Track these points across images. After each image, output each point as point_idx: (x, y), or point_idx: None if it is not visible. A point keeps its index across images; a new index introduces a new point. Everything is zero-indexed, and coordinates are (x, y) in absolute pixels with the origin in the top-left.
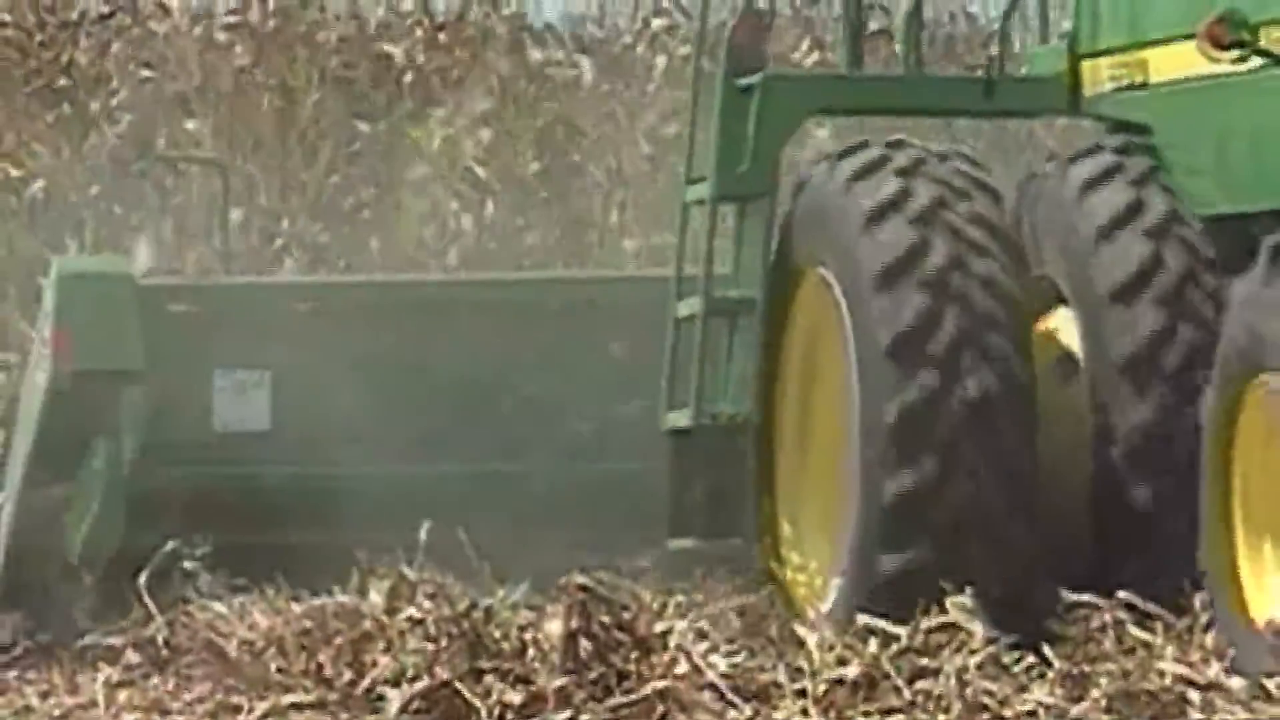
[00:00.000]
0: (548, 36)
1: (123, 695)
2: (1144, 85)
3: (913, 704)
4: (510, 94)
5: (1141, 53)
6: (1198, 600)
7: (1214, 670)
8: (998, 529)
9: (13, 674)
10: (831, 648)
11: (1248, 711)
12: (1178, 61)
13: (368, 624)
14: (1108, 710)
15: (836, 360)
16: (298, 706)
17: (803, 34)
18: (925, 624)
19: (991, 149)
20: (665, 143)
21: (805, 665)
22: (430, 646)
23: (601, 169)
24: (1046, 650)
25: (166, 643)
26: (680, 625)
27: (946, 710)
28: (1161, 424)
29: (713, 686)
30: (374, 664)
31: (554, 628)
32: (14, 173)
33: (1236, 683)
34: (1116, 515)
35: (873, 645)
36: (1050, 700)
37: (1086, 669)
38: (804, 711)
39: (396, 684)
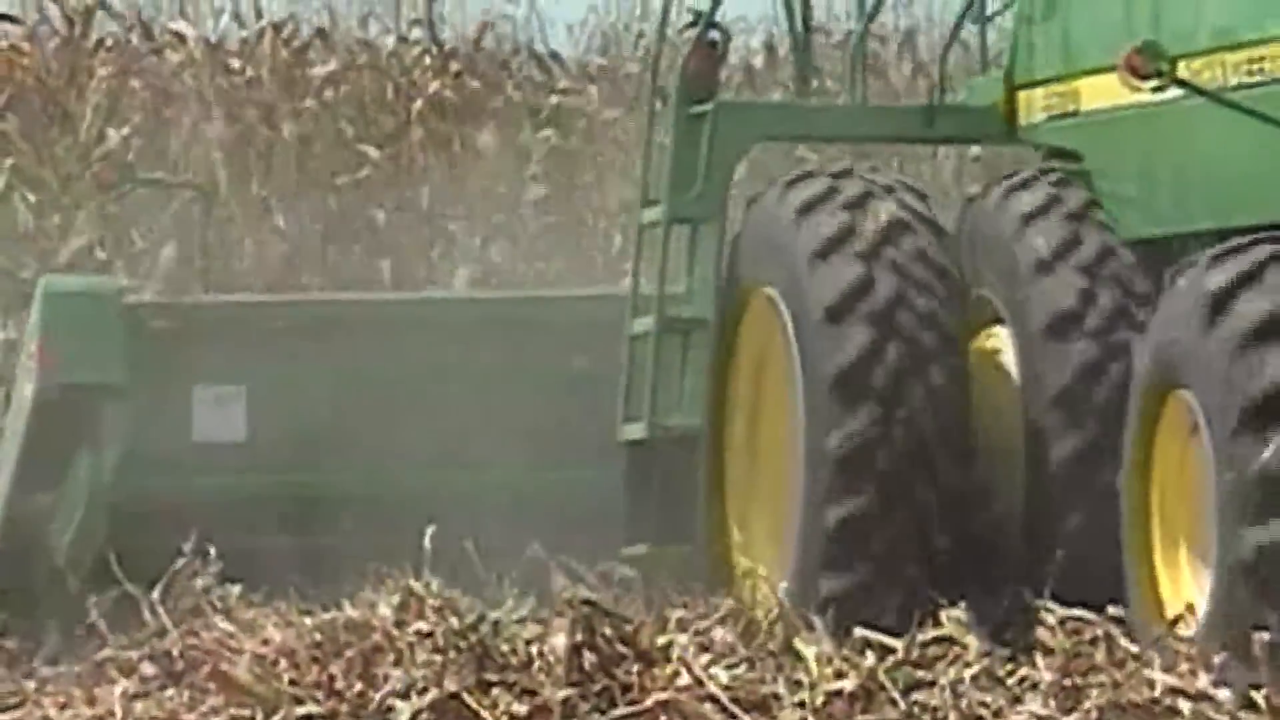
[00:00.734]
0: (554, 66)
1: (139, 707)
2: (1075, 114)
3: (909, 715)
4: (517, 121)
5: (1072, 83)
6: (1255, 614)
7: (1202, 682)
8: (937, 552)
9: (31, 685)
10: (830, 660)
11: None
12: (1105, 91)
13: (377, 637)
14: None
15: (783, 379)
16: (310, 718)
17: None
18: (921, 637)
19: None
20: None
21: (804, 678)
22: (439, 659)
23: (606, 192)
24: (1039, 663)
25: (182, 655)
26: (682, 639)
27: None
28: (1092, 452)
29: (714, 698)
30: (384, 676)
31: (559, 641)
32: (31, 198)
33: (1224, 694)
34: (1048, 539)
35: (870, 658)
36: (1043, 712)
37: (1078, 681)
38: None
39: (406, 696)
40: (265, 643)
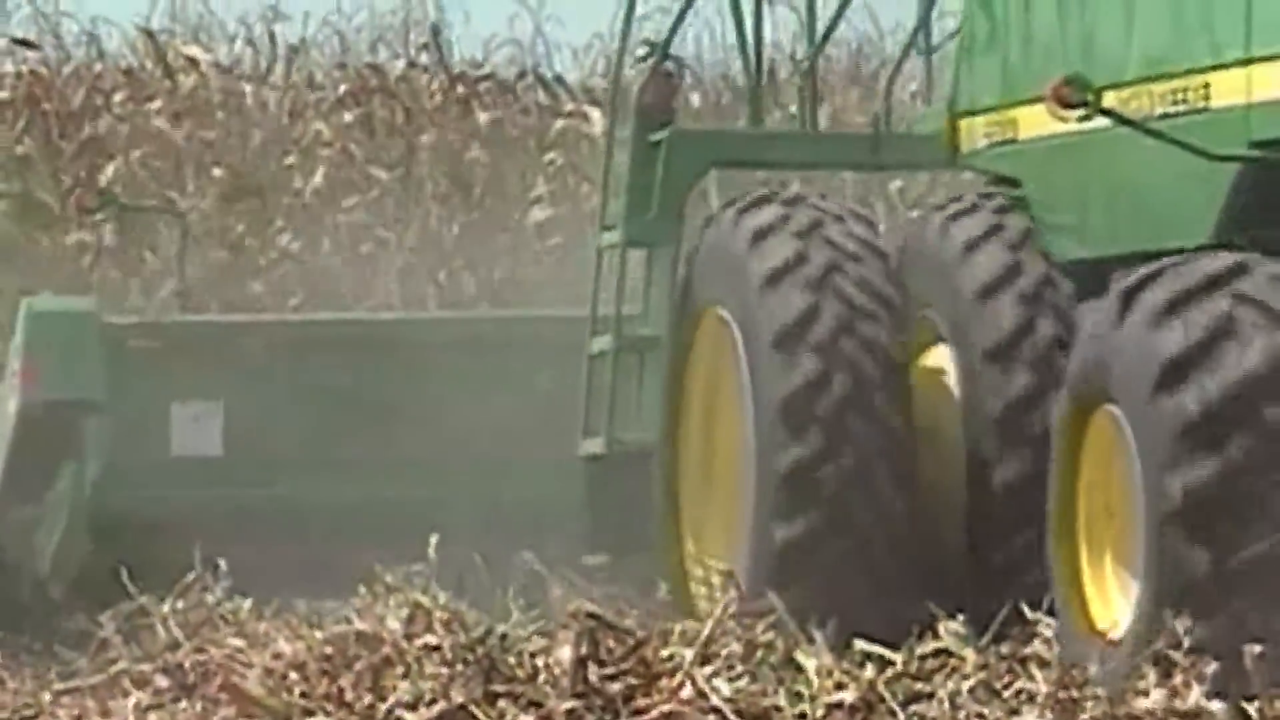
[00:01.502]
0: (559, 89)
1: (152, 718)
2: (1013, 141)
3: None
4: (523, 143)
5: (1010, 112)
6: (1180, 627)
7: (1195, 694)
8: (879, 571)
9: (46, 697)
10: (830, 673)
11: None
12: (1040, 120)
13: (387, 650)
14: None
15: (734, 397)
16: None
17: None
18: (920, 650)
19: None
20: None
21: (804, 690)
22: (446, 671)
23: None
24: (1036, 675)
25: (194, 668)
26: (685, 651)
27: None
28: (1031, 473)
29: (716, 710)
30: (393, 688)
31: (564, 654)
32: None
33: (1217, 706)
34: (991, 556)
35: (869, 670)
36: None
37: (1075, 694)
38: None
39: (414, 707)
40: (276, 656)
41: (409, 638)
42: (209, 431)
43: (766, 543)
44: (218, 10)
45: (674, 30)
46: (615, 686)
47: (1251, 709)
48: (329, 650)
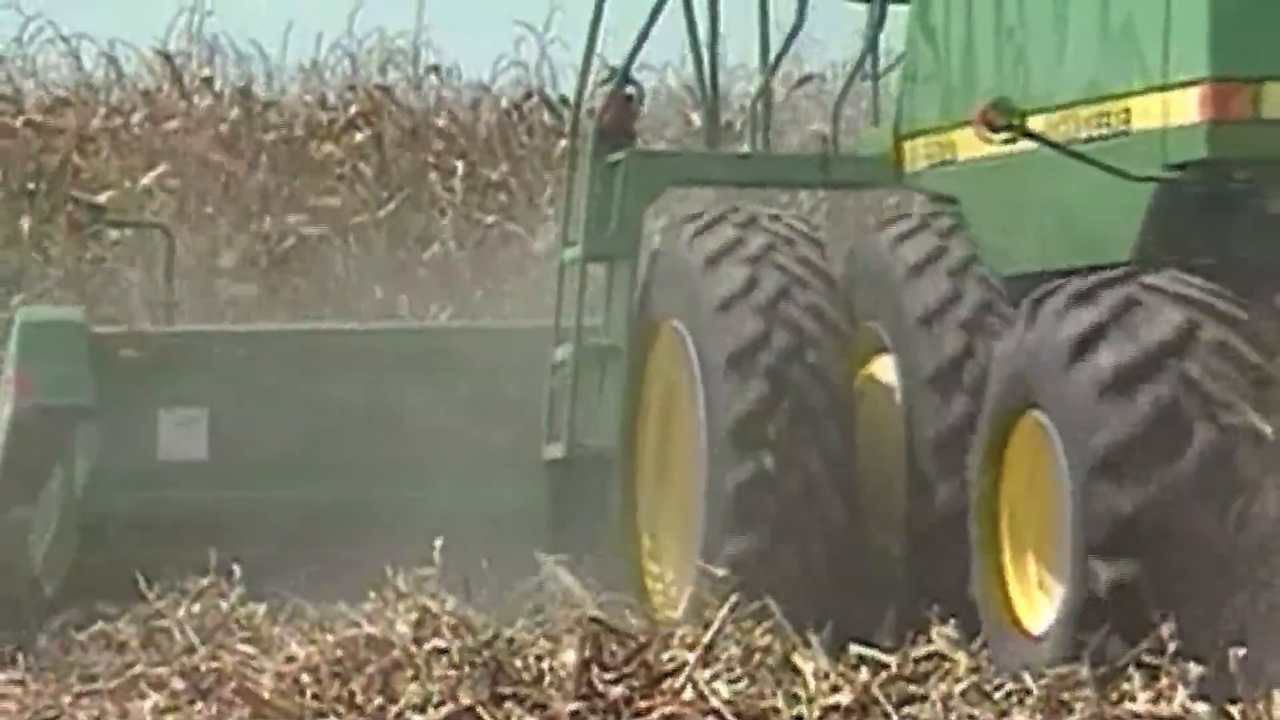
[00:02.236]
0: (564, 109)
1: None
2: (952, 162)
3: None
4: (529, 162)
5: (949, 134)
6: (1166, 631)
7: (1181, 696)
8: (821, 581)
9: (66, 699)
10: (826, 676)
11: None
12: (976, 142)
13: (396, 653)
14: None
15: (688, 408)
16: None
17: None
18: (914, 653)
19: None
20: None
21: (801, 692)
22: (454, 674)
23: None
24: (1026, 678)
25: (209, 672)
26: (686, 655)
27: None
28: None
29: (716, 712)
30: (403, 691)
31: (569, 657)
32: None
33: (1202, 708)
34: (930, 567)
35: (864, 673)
36: None
37: (1064, 696)
38: None
39: (423, 709)
40: (289, 659)
41: (418, 642)
42: (194, 436)
43: (716, 555)
44: (231, 32)
45: (632, 56)
46: (618, 689)
47: (1235, 711)
48: (340, 654)
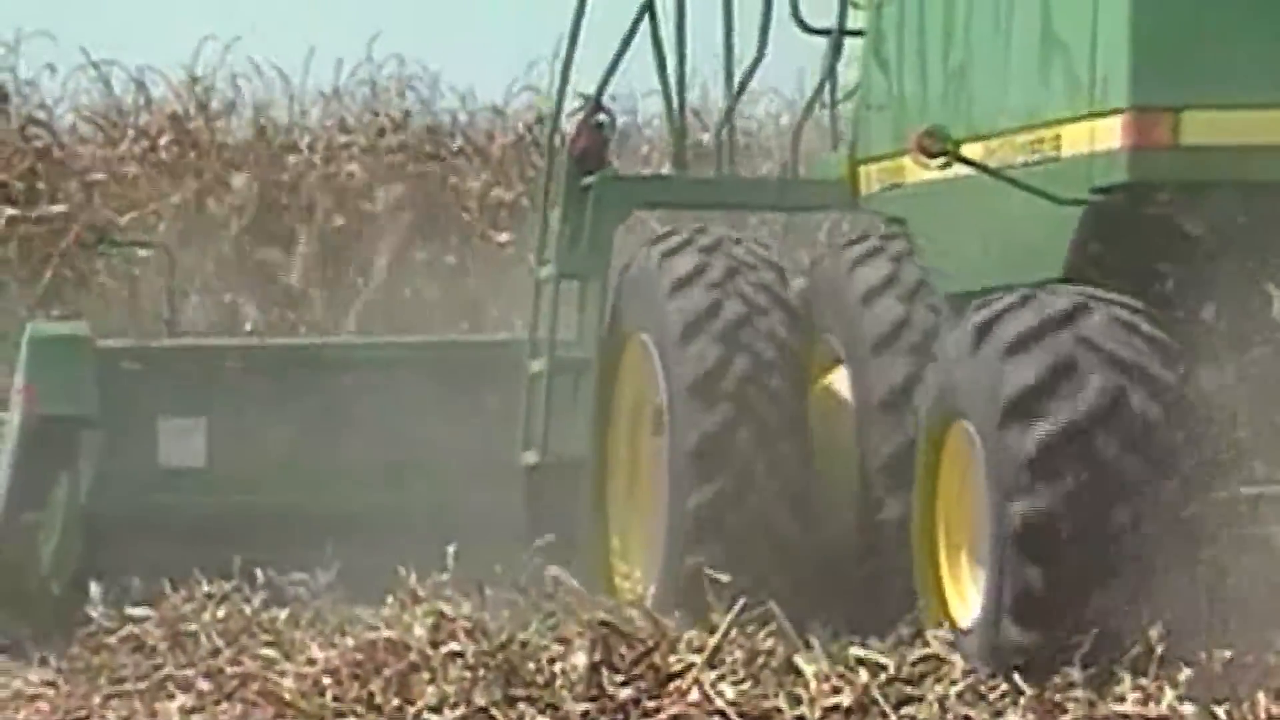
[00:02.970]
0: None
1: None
2: (901, 186)
3: None
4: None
5: (899, 160)
6: (1154, 633)
7: (1169, 697)
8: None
9: (96, 700)
10: (827, 678)
11: None
12: (921, 167)
13: (414, 656)
14: None
15: (652, 410)
16: None
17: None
18: (911, 656)
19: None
20: None
21: (803, 693)
22: (469, 676)
23: None
24: (1018, 680)
25: (234, 674)
26: (693, 658)
27: None
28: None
29: (721, 713)
30: (420, 692)
31: (579, 660)
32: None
33: (1189, 709)
34: (881, 579)
35: (864, 675)
36: None
37: (1056, 697)
38: None
39: (439, 710)
40: (310, 662)
41: (434, 645)
42: (193, 444)
43: (677, 572)
44: (256, 58)
45: (603, 85)
46: (627, 691)
47: (1220, 711)
48: (359, 657)
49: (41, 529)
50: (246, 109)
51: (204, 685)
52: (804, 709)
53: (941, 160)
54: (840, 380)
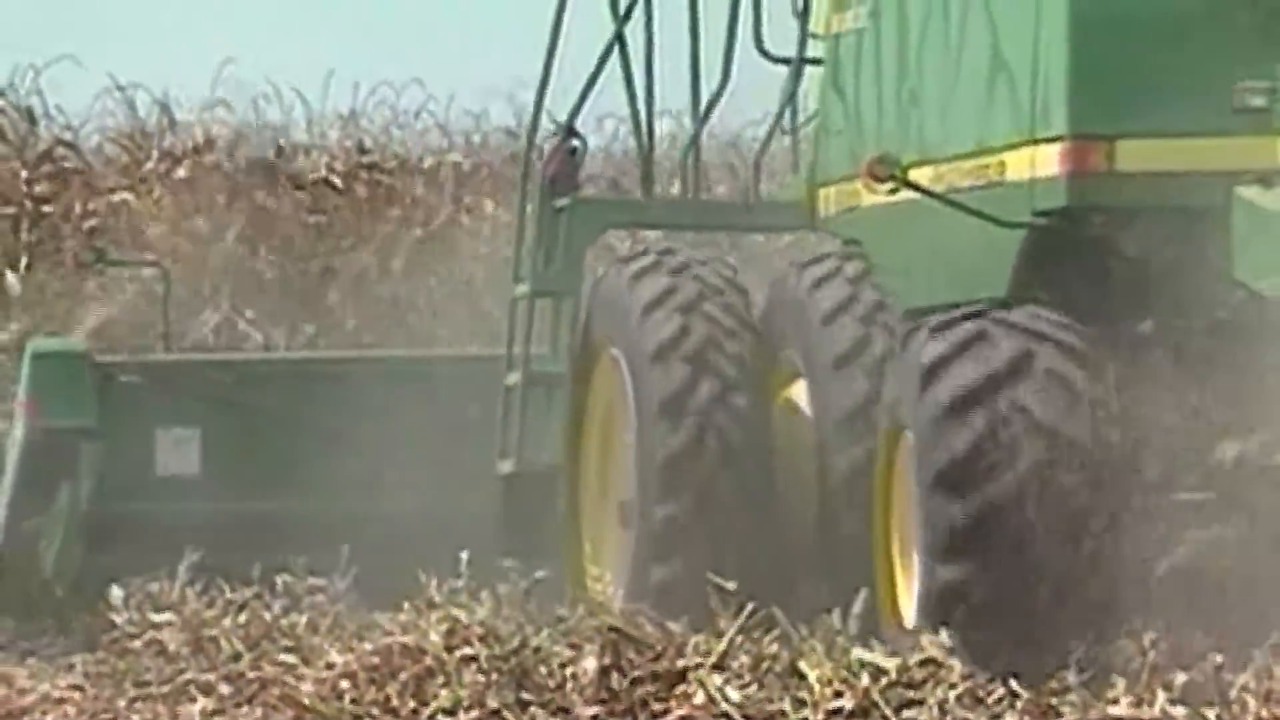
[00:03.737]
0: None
1: None
2: (856, 209)
3: None
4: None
5: (854, 184)
6: (1147, 640)
7: (1161, 700)
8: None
9: (121, 704)
10: (830, 681)
11: None
12: (875, 191)
13: (429, 661)
14: None
15: (623, 430)
16: None
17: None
18: (911, 661)
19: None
20: None
21: (806, 697)
22: (482, 680)
23: None
24: (1015, 684)
25: (254, 678)
26: (700, 661)
27: None
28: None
29: (727, 715)
30: (434, 696)
31: (589, 664)
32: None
33: (1180, 711)
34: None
35: (865, 679)
36: None
37: (1052, 701)
38: None
39: (453, 713)
40: (328, 666)
41: (449, 650)
42: (188, 453)
43: (644, 583)
44: (275, 80)
45: (575, 112)
46: (636, 694)
47: (1210, 714)
48: (376, 661)
49: (44, 534)
50: (266, 130)
51: (225, 689)
52: (807, 712)
53: (890, 185)
54: (800, 391)
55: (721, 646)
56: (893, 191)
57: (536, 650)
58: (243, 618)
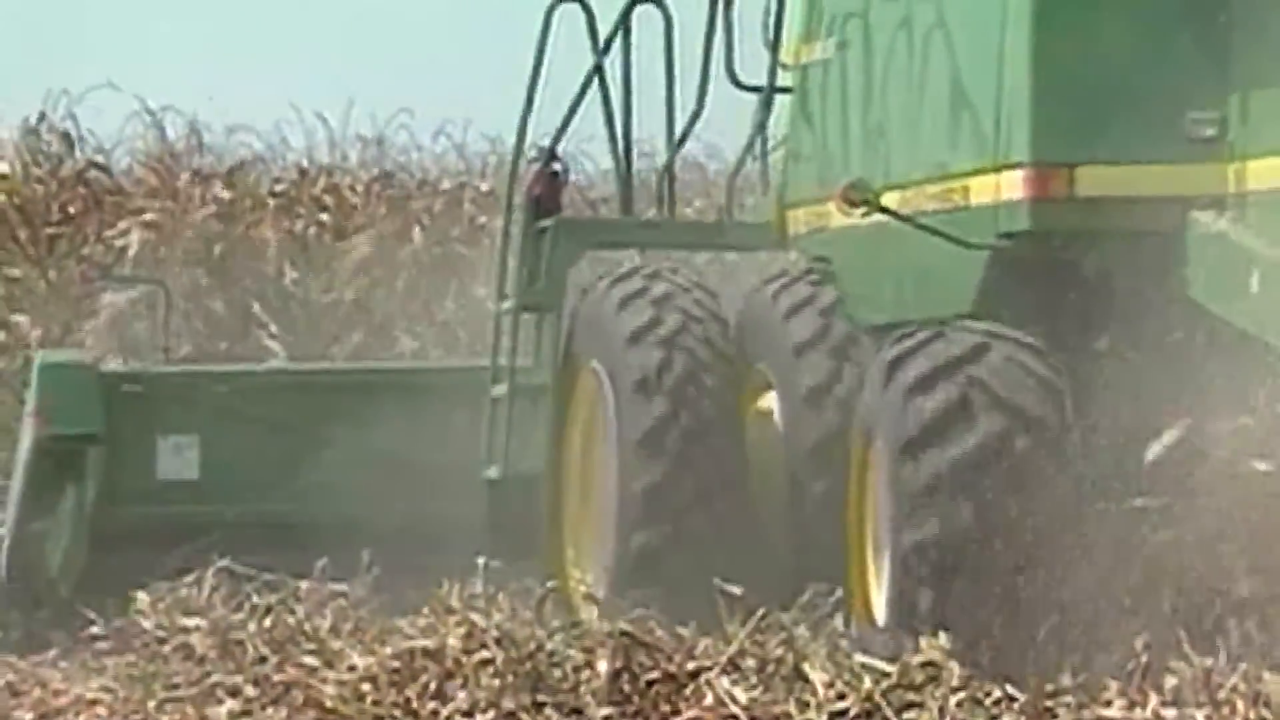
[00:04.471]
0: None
1: None
2: (825, 229)
3: None
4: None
5: (823, 206)
6: (1139, 643)
7: (1154, 702)
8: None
9: (151, 705)
10: (832, 684)
11: None
12: (845, 214)
13: (448, 664)
14: None
15: (603, 435)
16: None
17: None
18: (912, 663)
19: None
20: None
21: (811, 699)
22: (498, 683)
23: None
24: (1010, 688)
25: (279, 680)
26: (708, 664)
27: None
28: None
29: (734, 716)
30: (453, 697)
31: (602, 667)
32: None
33: (1172, 713)
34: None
35: (868, 682)
36: None
37: (1049, 703)
38: None
39: (471, 715)
40: (350, 669)
41: (466, 653)
42: (188, 459)
43: (625, 547)
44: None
45: (559, 135)
46: (647, 695)
47: (1200, 715)
48: (397, 665)
49: (50, 536)
50: (289, 153)
51: (251, 691)
52: (811, 713)
53: (863, 210)
54: (770, 400)
55: (730, 650)
56: (865, 215)
57: (551, 654)
58: (268, 622)
